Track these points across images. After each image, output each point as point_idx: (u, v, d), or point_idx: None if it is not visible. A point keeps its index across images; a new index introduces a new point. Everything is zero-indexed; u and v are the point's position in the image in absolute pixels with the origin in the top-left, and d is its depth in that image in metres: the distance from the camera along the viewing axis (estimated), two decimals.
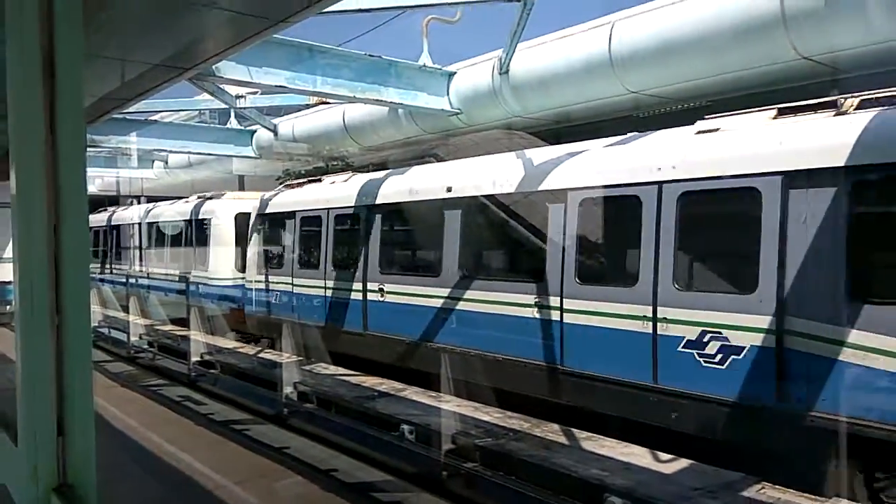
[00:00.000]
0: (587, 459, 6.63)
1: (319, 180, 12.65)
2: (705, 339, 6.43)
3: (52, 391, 1.80)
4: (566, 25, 9.66)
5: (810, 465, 5.81)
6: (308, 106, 13.85)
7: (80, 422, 1.83)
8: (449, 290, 9.01)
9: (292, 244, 12.55)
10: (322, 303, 11.53)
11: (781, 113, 6.57)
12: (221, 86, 11.08)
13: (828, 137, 5.90)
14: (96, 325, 17.22)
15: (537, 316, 7.89)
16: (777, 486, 5.91)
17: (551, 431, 7.52)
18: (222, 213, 15.63)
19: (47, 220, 1.79)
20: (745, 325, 6.14)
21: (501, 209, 8.52)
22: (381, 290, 10.26)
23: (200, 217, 16.14)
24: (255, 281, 13.42)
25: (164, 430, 8.57)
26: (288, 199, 12.99)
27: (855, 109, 6.23)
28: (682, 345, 6.58)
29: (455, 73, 10.86)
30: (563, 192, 7.63)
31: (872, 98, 6.10)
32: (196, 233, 16.20)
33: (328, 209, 11.58)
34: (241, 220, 14.82)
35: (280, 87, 9.71)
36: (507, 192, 8.39)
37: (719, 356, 6.34)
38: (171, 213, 18.02)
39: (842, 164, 5.59)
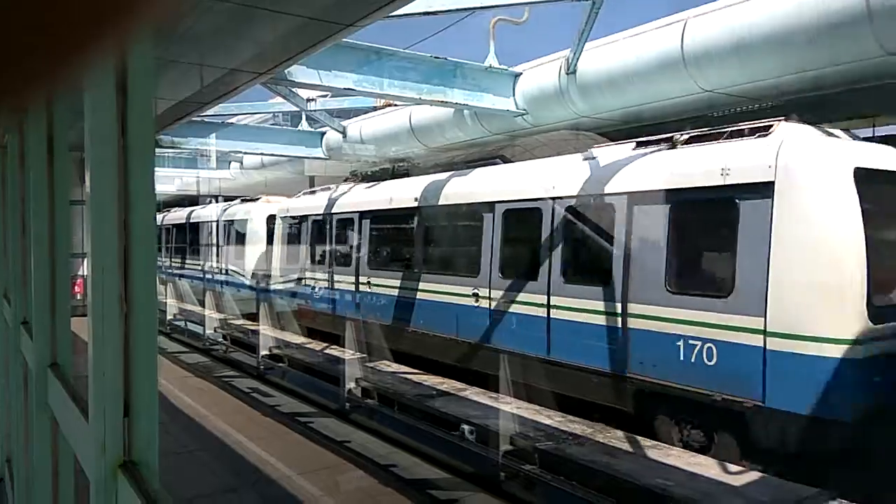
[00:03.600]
0: (651, 468, 6.49)
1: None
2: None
3: (120, 374, 1.90)
4: (635, 24, 9.47)
5: None
6: (375, 108, 14.09)
7: (145, 404, 1.93)
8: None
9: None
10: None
11: (639, 145, 8.34)
12: (293, 89, 11.41)
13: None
14: (171, 317, 18.47)
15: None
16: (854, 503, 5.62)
17: (615, 438, 7.40)
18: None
19: (118, 217, 1.89)
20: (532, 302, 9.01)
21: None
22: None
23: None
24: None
25: (232, 418, 8.89)
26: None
27: (683, 145, 7.62)
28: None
29: (521, 73, 10.81)
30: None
31: (699, 135, 7.62)
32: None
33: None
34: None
35: (348, 89, 9.91)
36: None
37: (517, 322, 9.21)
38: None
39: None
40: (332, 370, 10.78)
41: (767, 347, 6.37)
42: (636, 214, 7.70)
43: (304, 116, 15.77)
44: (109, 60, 1.79)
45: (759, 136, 6.93)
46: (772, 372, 6.35)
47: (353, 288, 13.02)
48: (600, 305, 7.98)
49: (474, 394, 9.06)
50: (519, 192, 9.60)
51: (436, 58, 10.22)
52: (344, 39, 5.97)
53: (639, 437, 7.28)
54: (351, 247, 13.48)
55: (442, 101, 10.48)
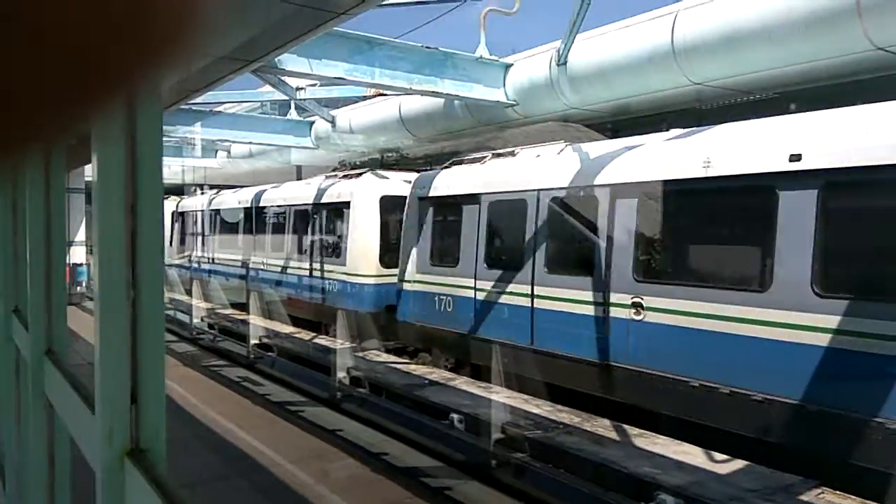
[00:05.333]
0: (638, 456, 6.56)
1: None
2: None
3: (127, 361, 1.89)
4: (627, 16, 9.50)
5: None
6: (365, 98, 14.03)
7: (153, 391, 1.92)
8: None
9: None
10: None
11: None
12: (283, 77, 11.33)
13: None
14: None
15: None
16: (837, 492, 5.73)
17: (602, 427, 7.46)
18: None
19: (125, 200, 1.88)
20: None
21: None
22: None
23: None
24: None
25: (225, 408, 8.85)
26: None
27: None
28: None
29: (512, 64, 10.81)
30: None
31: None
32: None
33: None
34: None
35: (339, 78, 9.87)
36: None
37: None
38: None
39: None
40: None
41: (346, 281, 12.70)
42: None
43: (292, 105, 15.66)
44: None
45: (353, 178, 13.30)
46: (350, 292, 12.66)
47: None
48: None
49: (464, 383, 9.10)
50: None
51: (427, 48, 10.20)
52: (335, 28, 5.93)
53: (625, 426, 7.36)
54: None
55: (432, 92, 10.48)
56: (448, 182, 10.12)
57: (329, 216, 13.40)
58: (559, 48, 9.79)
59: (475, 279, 9.37)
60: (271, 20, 4.52)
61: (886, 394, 5.49)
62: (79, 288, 20.04)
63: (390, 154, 13.69)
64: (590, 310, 7.65)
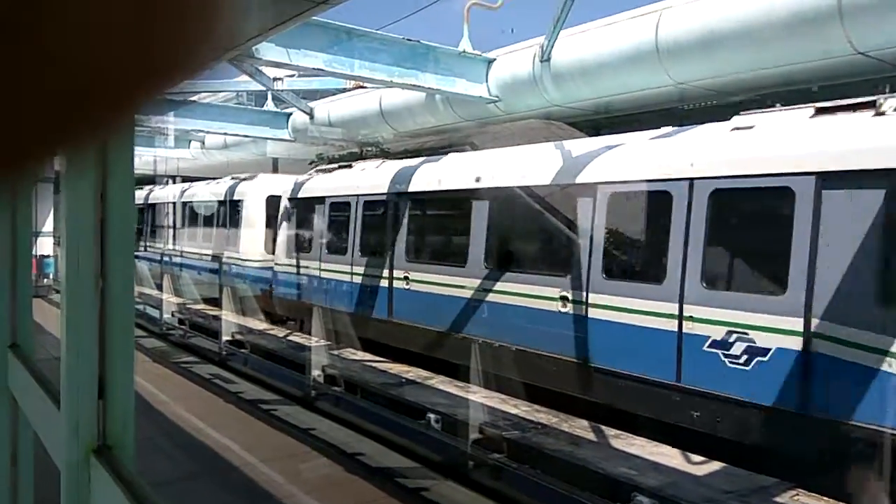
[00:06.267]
0: (615, 457, 6.55)
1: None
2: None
3: (95, 353, 1.80)
4: (612, 13, 9.48)
5: None
6: (345, 90, 13.85)
7: (121, 385, 1.83)
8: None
9: None
10: None
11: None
12: (260, 67, 11.12)
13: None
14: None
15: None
16: (811, 494, 5.77)
17: (579, 427, 7.45)
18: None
19: (96, 188, 1.79)
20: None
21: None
22: None
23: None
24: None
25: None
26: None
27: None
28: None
29: (494, 59, 10.73)
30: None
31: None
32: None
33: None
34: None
35: (318, 69, 9.70)
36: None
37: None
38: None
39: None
40: None
41: (239, 263, 15.43)
42: None
43: (269, 96, 15.42)
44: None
45: (247, 180, 16.36)
46: (241, 273, 15.36)
47: None
48: None
49: (440, 382, 9.05)
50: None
51: (409, 40, 10.07)
52: (315, 17, 5.80)
53: (602, 427, 7.36)
54: None
55: (413, 85, 10.35)
56: (308, 186, 13.14)
57: (229, 211, 16.40)
58: (543, 44, 9.74)
59: (320, 262, 12.41)
60: (250, 7, 4.40)
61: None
62: (46, 280, 19.71)
63: (370, 148, 13.54)
64: (383, 283, 10.73)
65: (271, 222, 14.84)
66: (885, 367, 5.33)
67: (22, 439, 2.87)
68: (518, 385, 8.12)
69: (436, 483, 6.77)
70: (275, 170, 19.79)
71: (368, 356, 10.66)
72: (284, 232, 13.65)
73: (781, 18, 7.51)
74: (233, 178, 16.92)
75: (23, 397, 2.63)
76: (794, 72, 7.79)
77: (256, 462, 6.72)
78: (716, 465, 6.54)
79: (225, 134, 16.57)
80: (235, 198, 16.09)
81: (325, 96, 14.90)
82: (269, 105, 15.97)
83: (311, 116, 14.66)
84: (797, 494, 5.77)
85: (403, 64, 10.06)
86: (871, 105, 5.96)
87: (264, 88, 13.24)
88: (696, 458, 6.67)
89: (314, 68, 9.67)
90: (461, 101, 11.26)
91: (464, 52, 10.54)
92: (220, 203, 16.96)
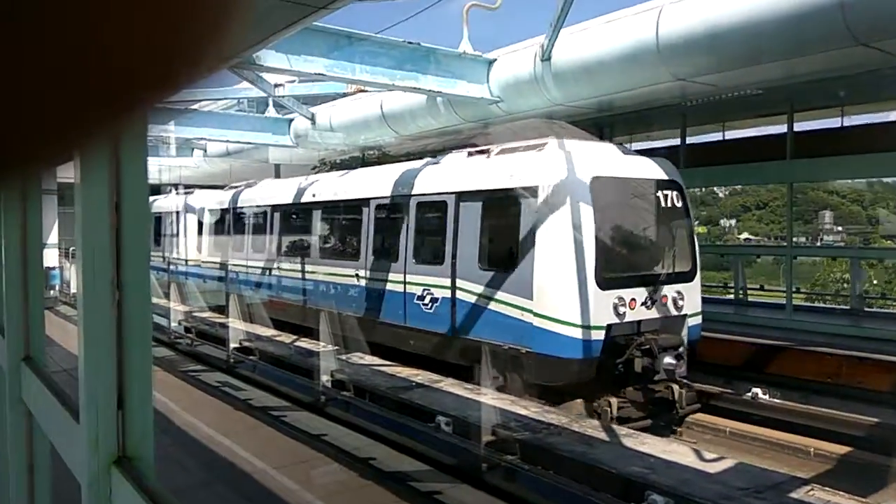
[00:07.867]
0: (628, 456, 6.53)
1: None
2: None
3: (113, 364, 1.78)
4: (612, 10, 9.44)
5: None
6: (345, 94, 13.85)
7: (140, 395, 1.83)
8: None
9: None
10: None
11: None
12: (261, 74, 11.13)
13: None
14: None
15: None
16: (826, 489, 5.75)
17: (591, 427, 7.43)
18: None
19: (109, 197, 1.77)
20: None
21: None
22: None
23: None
24: None
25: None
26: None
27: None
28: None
29: (495, 60, 10.71)
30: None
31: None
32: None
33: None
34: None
35: (319, 74, 9.70)
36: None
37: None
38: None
39: None
40: None
41: (178, 262, 19.50)
42: None
43: (271, 103, 15.43)
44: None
45: (187, 193, 20.02)
46: (179, 270, 19.34)
47: None
48: None
49: (449, 385, 9.05)
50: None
51: (409, 43, 10.06)
52: (315, 23, 5.80)
53: (615, 427, 7.33)
54: None
55: (414, 88, 10.34)
56: (227, 198, 16.78)
57: (175, 220, 20.01)
58: (543, 43, 9.72)
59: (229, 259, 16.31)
60: (251, 15, 4.39)
61: None
62: (52, 292, 19.77)
63: (372, 151, 13.54)
64: (265, 270, 14.76)
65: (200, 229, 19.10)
66: (482, 304, 9.00)
67: (38, 451, 2.86)
68: (339, 337, 11.80)
69: (451, 487, 6.74)
70: (277, 176, 19.83)
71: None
72: (212, 235, 18.30)
73: (784, 12, 7.47)
74: (186, 188, 20.53)
75: (38, 410, 2.62)
76: (797, 66, 7.76)
77: (268, 468, 6.70)
78: (728, 462, 6.52)
79: (227, 141, 16.61)
80: (176, 210, 20.12)
81: (326, 101, 14.91)
82: (271, 111, 15.99)
83: (313, 121, 14.67)
84: (812, 489, 5.75)
85: (404, 66, 10.06)
86: (486, 152, 9.84)
87: (265, 95, 13.25)
88: (709, 455, 6.67)
89: (315, 73, 9.67)
90: (463, 103, 11.24)
91: (464, 53, 10.53)
92: (169, 214, 20.79)
